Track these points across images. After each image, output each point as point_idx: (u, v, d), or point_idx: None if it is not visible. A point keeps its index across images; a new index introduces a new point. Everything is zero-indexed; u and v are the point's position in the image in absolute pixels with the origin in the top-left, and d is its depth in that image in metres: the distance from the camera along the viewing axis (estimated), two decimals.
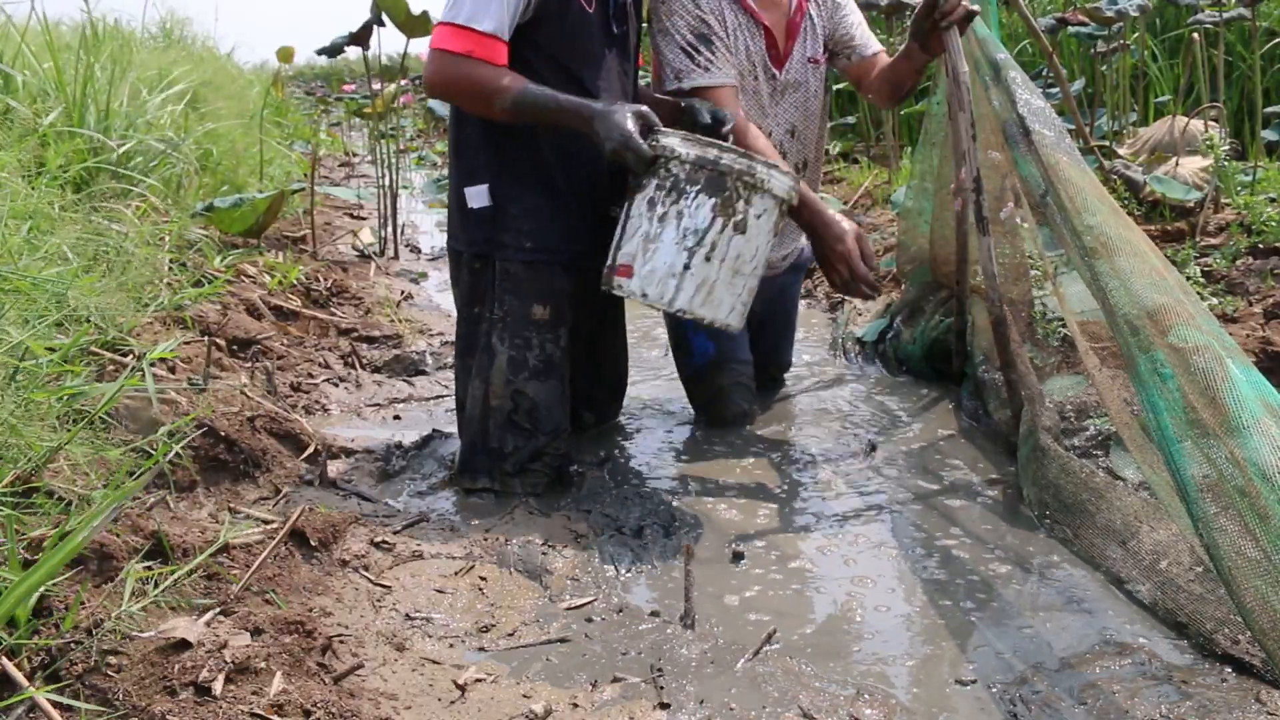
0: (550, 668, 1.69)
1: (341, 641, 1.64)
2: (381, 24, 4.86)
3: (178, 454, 1.98)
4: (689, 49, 2.50)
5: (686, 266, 2.08)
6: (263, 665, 1.43)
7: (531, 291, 2.29)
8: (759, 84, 2.62)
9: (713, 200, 2.06)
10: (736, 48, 2.57)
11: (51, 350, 1.94)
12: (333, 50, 5.26)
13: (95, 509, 1.64)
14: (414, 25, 4.66)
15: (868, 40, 2.81)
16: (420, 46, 8.37)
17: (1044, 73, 5.08)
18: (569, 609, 1.88)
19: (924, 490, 2.44)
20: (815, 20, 2.72)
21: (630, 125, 2.08)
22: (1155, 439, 1.68)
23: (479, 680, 1.62)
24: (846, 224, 2.43)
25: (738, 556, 2.09)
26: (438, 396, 3.05)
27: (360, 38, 5.03)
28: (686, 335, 2.83)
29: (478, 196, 2.28)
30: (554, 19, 2.22)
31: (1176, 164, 3.82)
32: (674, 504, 2.34)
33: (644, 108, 2.14)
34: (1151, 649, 1.72)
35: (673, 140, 2.08)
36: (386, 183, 5.21)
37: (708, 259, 2.08)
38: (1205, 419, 1.57)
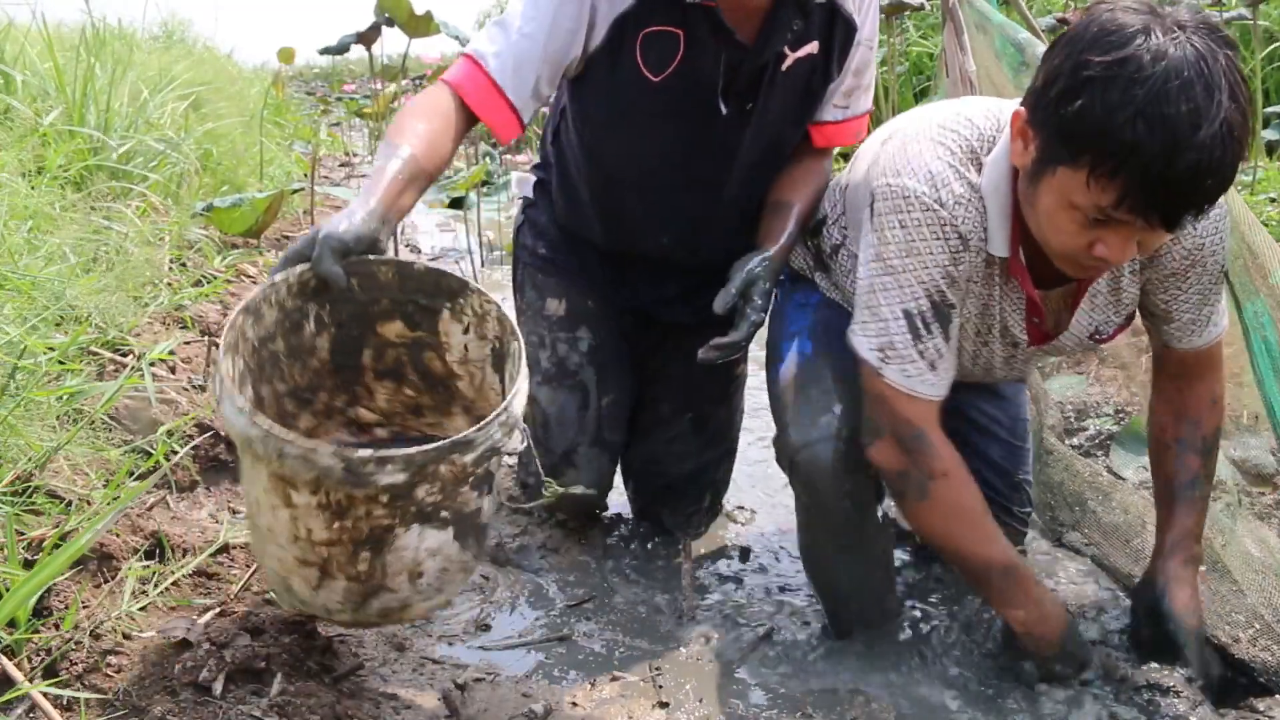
0: (550, 667, 1.69)
1: (341, 641, 1.64)
2: (390, 24, 4.87)
3: (177, 454, 1.98)
4: (916, 320, 1.53)
5: None
6: (263, 665, 1.42)
7: (548, 284, 2.10)
8: (984, 348, 1.68)
9: None
10: (968, 310, 1.62)
11: (51, 349, 1.94)
12: (339, 49, 5.29)
13: (96, 510, 1.64)
14: (417, 25, 4.67)
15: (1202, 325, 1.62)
16: (421, 48, 8.37)
17: None
18: (569, 608, 1.88)
19: None
20: (1124, 282, 1.60)
21: (338, 228, 1.43)
22: (1260, 387, 1.65)
23: (479, 680, 1.62)
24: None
25: (745, 553, 2.12)
26: None
27: (368, 38, 5.05)
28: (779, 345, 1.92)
29: (525, 185, 2.18)
30: (599, 78, 1.79)
31: None
32: None
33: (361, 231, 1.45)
34: None
35: None
36: None
37: None
38: None
